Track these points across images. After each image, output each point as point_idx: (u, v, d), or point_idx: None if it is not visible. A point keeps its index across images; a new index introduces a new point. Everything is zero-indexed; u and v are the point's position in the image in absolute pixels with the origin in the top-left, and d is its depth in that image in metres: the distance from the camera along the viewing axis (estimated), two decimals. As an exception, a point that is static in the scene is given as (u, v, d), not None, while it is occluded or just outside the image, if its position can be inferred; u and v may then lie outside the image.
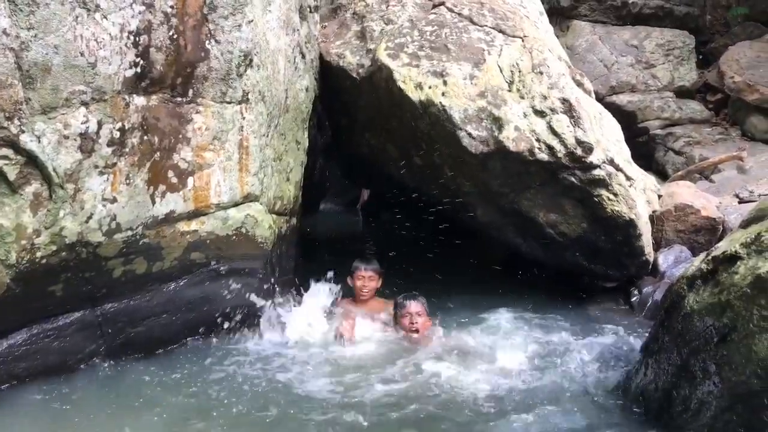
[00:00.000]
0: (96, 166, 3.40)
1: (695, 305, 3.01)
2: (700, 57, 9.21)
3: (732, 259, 2.91)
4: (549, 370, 3.81)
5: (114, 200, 3.52)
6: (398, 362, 3.98)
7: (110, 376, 3.74)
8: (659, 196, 5.63)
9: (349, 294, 4.91)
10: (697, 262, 3.26)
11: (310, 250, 5.87)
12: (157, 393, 3.57)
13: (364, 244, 7.83)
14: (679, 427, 2.92)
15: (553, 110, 4.60)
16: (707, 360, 2.83)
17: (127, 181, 3.56)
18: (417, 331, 4.35)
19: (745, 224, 3.34)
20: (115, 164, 3.48)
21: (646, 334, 3.66)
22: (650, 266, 5.12)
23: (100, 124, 3.37)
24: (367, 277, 4.89)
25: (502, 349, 4.15)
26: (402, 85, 4.72)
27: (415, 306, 4.41)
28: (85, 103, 3.28)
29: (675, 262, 5.09)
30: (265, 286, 4.52)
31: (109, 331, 3.82)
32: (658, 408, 3.10)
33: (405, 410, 3.35)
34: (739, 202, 5.82)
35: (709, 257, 3.11)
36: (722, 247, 3.12)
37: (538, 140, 4.54)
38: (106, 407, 3.42)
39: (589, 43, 9.15)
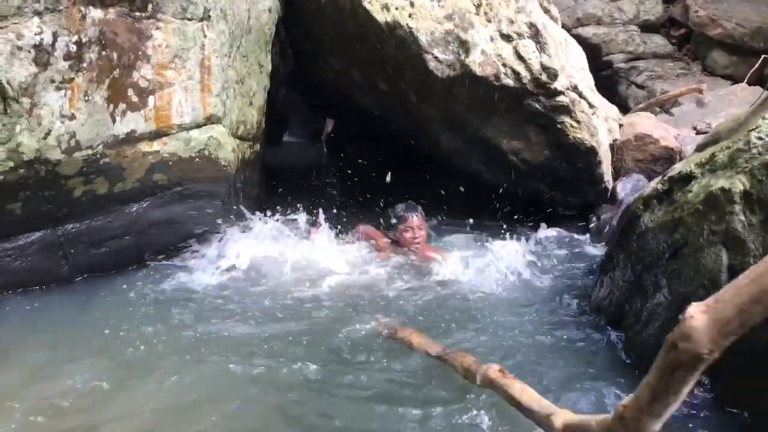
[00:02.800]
0: (52, 81, 3.30)
1: (650, 223, 3.12)
2: (666, -9, 9.20)
3: (687, 178, 3.02)
4: (512, 287, 3.93)
5: (73, 117, 3.43)
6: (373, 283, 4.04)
7: (72, 296, 3.72)
8: (620, 126, 5.71)
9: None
10: (654, 183, 3.36)
11: (274, 180, 5.82)
12: (119, 314, 3.53)
13: (328, 175, 7.82)
14: (629, 338, 3.07)
15: (519, 35, 4.59)
16: (659, 275, 2.96)
17: (86, 97, 3.47)
18: (418, 244, 4.35)
19: (701, 147, 3.44)
20: (72, 79, 3.38)
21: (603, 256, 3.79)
22: (609, 194, 5.24)
23: (55, 36, 3.25)
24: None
25: (473, 269, 4.23)
26: (368, 6, 4.63)
27: (418, 220, 4.38)
28: (38, 13, 3.16)
29: (633, 190, 5.18)
30: (229, 210, 4.51)
31: (72, 251, 3.79)
32: (612, 320, 3.25)
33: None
34: (696, 134, 5.94)
35: (665, 178, 3.21)
36: (678, 167, 3.21)
37: (504, 65, 4.54)
38: (69, 327, 3.39)
39: (557, -27, 9.03)
